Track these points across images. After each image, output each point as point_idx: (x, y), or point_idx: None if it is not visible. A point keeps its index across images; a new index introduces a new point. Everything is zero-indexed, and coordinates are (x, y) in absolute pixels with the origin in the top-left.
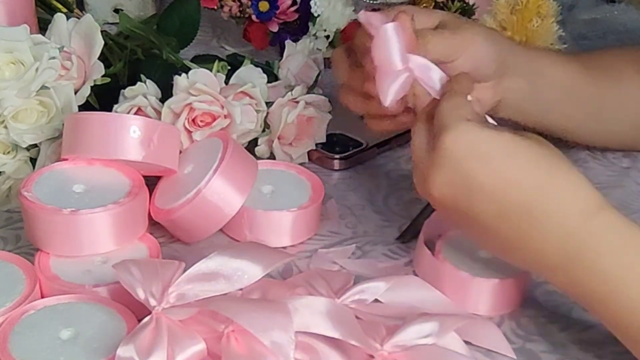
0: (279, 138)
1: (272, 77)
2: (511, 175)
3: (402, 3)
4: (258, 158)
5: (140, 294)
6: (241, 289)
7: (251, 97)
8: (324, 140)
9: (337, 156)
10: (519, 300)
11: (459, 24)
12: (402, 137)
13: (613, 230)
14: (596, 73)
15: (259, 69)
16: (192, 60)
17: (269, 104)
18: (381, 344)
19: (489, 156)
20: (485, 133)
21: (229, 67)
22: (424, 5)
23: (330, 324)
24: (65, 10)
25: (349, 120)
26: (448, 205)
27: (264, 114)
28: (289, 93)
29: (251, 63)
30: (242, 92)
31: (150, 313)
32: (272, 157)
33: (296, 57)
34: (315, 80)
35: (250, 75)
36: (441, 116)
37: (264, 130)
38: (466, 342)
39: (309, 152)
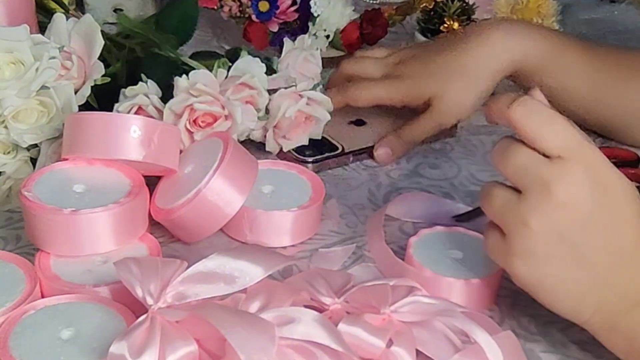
0: (274, 127)
1: (272, 72)
2: (628, 213)
3: (401, 3)
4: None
5: (139, 292)
6: (244, 291)
7: (251, 88)
8: (319, 137)
9: (309, 159)
10: (490, 300)
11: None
12: None
13: None
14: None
15: (257, 58)
16: (191, 57)
17: (270, 92)
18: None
19: (617, 189)
20: (613, 170)
21: (230, 64)
22: (424, 4)
23: (328, 335)
24: (62, 11)
25: (329, 122)
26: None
27: (266, 101)
28: (293, 86)
29: (248, 54)
30: (241, 83)
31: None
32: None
33: (295, 53)
34: (324, 79)
35: (248, 65)
36: (530, 170)
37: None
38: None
39: (279, 153)
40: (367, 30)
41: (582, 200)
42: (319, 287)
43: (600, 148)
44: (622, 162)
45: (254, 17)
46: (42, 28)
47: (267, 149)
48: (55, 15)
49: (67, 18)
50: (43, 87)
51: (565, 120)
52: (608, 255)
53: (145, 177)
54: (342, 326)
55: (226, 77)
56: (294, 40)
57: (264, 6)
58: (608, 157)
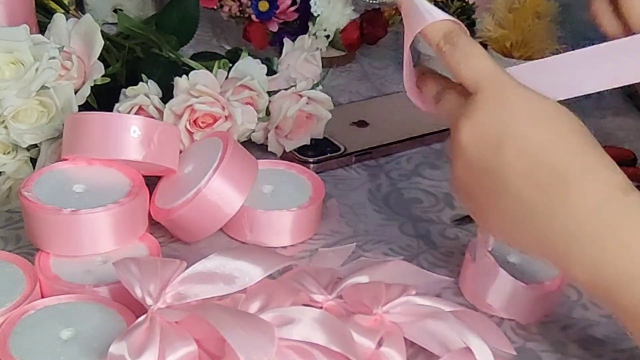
0: (276, 128)
1: (272, 73)
2: (548, 136)
3: None
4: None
5: (138, 292)
6: (244, 291)
7: (251, 89)
8: (320, 137)
9: (310, 160)
10: (547, 309)
11: None
12: (384, 148)
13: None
14: None
15: (258, 60)
16: (191, 58)
17: (271, 94)
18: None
19: (531, 112)
20: (533, 92)
21: (230, 65)
22: None
23: (327, 336)
24: (62, 11)
25: (331, 123)
26: (473, 156)
27: (266, 103)
28: (293, 87)
29: (249, 55)
30: (241, 85)
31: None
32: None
33: (295, 53)
34: (323, 78)
35: (249, 67)
36: (479, 67)
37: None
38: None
39: (282, 154)
40: (367, 30)
41: (483, 136)
42: (308, 285)
43: None
44: (619, 162)
45: (253, 17)
46: (42, 28)
47: (269, 149)
48: (55, 15)
49: (67, 18)
50: (43, 87)
51: (481, 54)
52: (532, 181)
53: (145, 177)
54: None
55: (226, 77)
56: (294, 40)
57: (263, 6)
58: None
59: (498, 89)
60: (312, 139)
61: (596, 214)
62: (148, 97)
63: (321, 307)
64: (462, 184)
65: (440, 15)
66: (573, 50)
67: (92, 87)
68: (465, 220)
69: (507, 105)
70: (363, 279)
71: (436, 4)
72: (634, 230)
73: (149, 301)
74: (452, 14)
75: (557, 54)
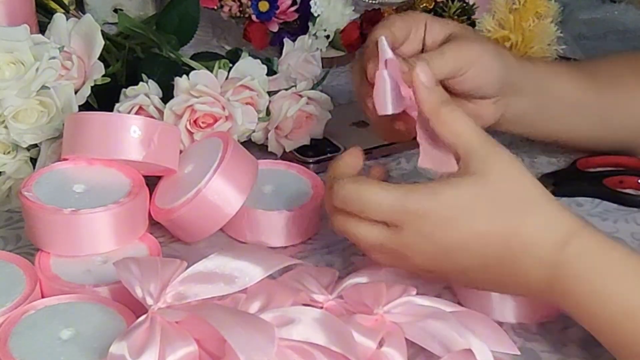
0: (276, 128)
1: (272, 73)
2: (482, 229)
3: (401, 3)
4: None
5: (138, 292)
6: (244, 291)
7: (251, 90)
8: (320, 137)
9: (310, 160)
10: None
11: (468, 38)
12: (385, 148)
13: (586, 253)
14: (600, 82)
15: (258, 60)
16: (191, 58)
17: (271, 94)
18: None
19: (450, 219)
20: (441, 198)
21: (230, 65)
22: (424, 5)
23: (327, 336)
24: (62, 11)
25: (331, 123)
26: (439, 273)
27: (266, 103)
28: (293, 87)
29: (249, 56)
30: (241, 85)
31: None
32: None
33: (295, 53)
34: (323, 78)
35: (249, 67)
36: (384, 207)
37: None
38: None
39: (282, 154)
40: (367, 30)
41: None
42: (308, 285)
43: (602, 155)
44: (626, 171)
45: (254, 17)
46: (42, 28)
47: (269, 149)
48: (55, 15)
49: (67, 18)
50: (43, 87)
51: (380, 188)
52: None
53: (145, 177)
54: None
55: (226, 78)
56: (294, 40)
57: (264, 6)
58: (612, 164)
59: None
60: (312, 139)
61: (543, 278)
62: (148, 97)
63: (322, 307)
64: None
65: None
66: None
67: (92, 87)
68: None
69: (434, 224)
70: (363, 279)
71: (436, 4)
72: (573, 279)
73: (149, 301)
74: (452, 14)
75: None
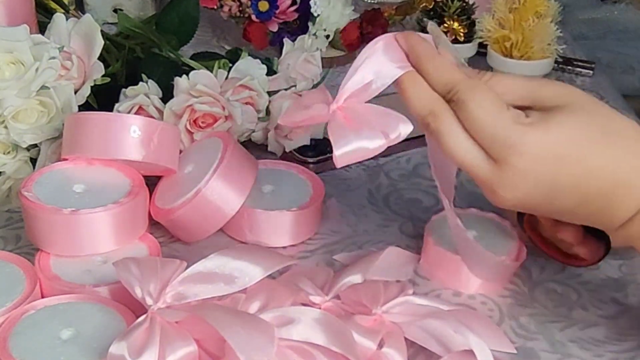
0: (275, 128)
1: (272, 73)
2: (590, 165)
3: (401, 3)
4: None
5: (138, 292)
6: (244, 291)
7: (251, 89)
8: (320, 137)
9: (310, 160)
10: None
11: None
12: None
13: None
14: None
15: (258, 60)
16: (191, 58)
17: (271, 94)
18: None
19: (563, 157)
20: (551, 135)
21: (230, 65)
22: (424, 4)
23: (327, 336)
24: (62, 11)
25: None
26: (526, 207)
27: (266, 103)
28: (293, 86)
29: (249, 56)
30: (241, 85)
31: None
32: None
33: (295, 53)
34: (323, 78)
35: (249, 67)
36: (492, 131)
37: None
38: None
39: (282, 154)
40: (367, 30)
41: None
42: (304, 286)
43: None
44: None
45: (253, 17)
46: (42, 28)
47: (269, 149)
48: (55, 15)
49: (67, 18)
50: (43, 87)
51: (446, 59)
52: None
53: (145, 177)
54: None
55: (226, 77)
56: (294, 40)
57: (263, 6)
58: None
59: (530, 147)
60: (312, 139)
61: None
62: (148, 97)
63: (319, 309)
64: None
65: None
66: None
67: (92, 87)
68: None
69: (545, 160)
70: (357, 277)
71: (436, 4)
72: None
73: (149, 301)
74: (452, 14)
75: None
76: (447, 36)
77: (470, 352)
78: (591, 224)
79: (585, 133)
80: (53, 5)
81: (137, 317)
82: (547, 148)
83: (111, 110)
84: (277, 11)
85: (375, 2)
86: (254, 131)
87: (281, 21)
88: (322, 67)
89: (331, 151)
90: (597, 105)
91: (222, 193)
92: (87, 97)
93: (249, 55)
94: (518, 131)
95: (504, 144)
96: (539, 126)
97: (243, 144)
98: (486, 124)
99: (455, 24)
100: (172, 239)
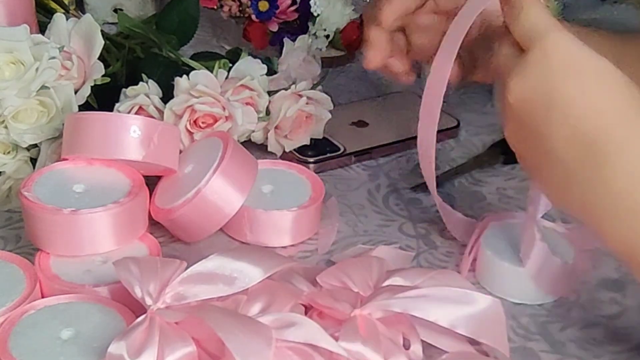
0: (275, 128)
1: (272, 73)
2: (594, 101)
3: None
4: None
5: (138, 292)
6: (245, 292)
7: (251, 90)
8: (320, 137)
9: (310, 160)
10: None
11: None
12: (384, 148)
13: None
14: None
15: (258, 60)
16: (191, 58)
17: (271, 94)
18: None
19: (581, 74)
20: (586, 51)
21: (230, 65)
22: None
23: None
24: (62, 11)
25: (331, 123)
26: (521, 115)
27: (266, 103)
28: (293, 86)
29: (249, 55)
30: (241, 85)
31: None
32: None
33: (295, 53)
34: (323, 78)
35: (249, 67)
36: (532, 22)
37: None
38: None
39: (282, 154)
40: None
41: (532, 96)
42: (298, 284)
43: None
44: None
45: (253, 17)
46: (42, 28)
47: (269, 149)
48: (55, 15)
49: (67, 18)
50: (43, 87)
51: (534, 8)
52: (575, 148)
53: (145, 177)
54: (342, 344)
55: (226, 78)
56: (294, 40)
57: (263, 6)
58: None
59: (549, 46)
60: (312, 139)
61: (630, 191)
62: (148, 97)
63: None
64: (512, 142)
65: None
66: None
67: (92, 87)
68: (421, 187)
69: (557, 65)
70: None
71: None
72: None
73: (148, 301)
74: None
75: None
76: None
77: (471, 353)
78: (572, 188)
79: (614, 77)
80: (53, 5)
81: (137, 317)
82: (574, 57)
83: (111, 110)
84: (277, 11)
85: None
86: (254, 131)
87: (281, 21)
88: (322, 67)
89: (331, 151)
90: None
91: (222, 193)
92: (87, 97)
93: (249, 55)
94: (553, 25)
95: (536, 29)
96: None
97: (243, 144)
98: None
99: None
100: (172, 239)
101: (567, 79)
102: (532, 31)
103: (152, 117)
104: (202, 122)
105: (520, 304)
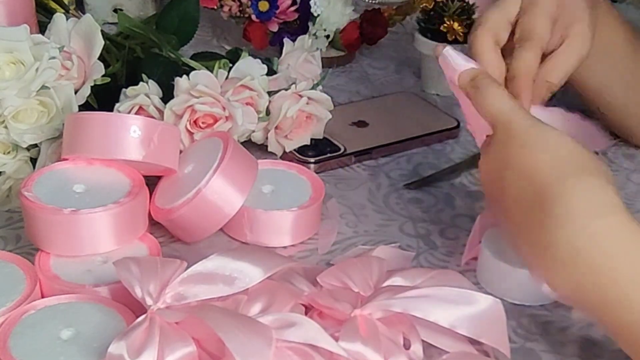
0: (275, 128)
1: (272, 73)
2: (540, 163)
3: (401, 3)
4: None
5: (138, 292)
6: (245, 292)
7: (251, 90)
8: (320, 137)
9: (310, 160)
10: None
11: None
12: (384, 148)
13: (625, 232)
14: None
15: (258, 60)
16: (191, 58)
17: (271, 94)
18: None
19: (529, 144)
20: (539, 125)
21: (230, 65)
22: (424, 5)
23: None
24: (62, 11)
25: (331, 123)
26: (487, 186)
27: (266, 103)
28: (293, 85)
29: (249, 56)
30: (241, 85)
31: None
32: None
33: (295, 53)
34: (323, 78)
35: (249, 67)
36: (496, 108)
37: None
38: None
39: (282, 154)
40: (367, 30)
41: (495, 167)
42: (299, 284)
43: None
44: None
45: (253, 17)
46: (42, 28)
47: (269, 149)
48: (55, 15)
49: (67, 18)
50: (43, 87)
51: (498, 95)
52: (523, 205)
53: (145, 177)
54: (342, 344)
55: (226, 78)
56: (294, 40)
57: (263, 6)
58: None
59: (508, 127)
60: (312, 139)
61: (571, 241)
62: (148, 97)
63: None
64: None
65: (465, 65)
66: None
67: (92, 87)
68: (415, 184)
69: (513, 141)
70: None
71: (436, 4)
72: (606, 255)
73: (148, 301)
74: (452, 14)
75: None
76: (447, 36)
77: (470, 353)
78: (525, 242)
79: (553, 141)
80: (53, 5)
81: (137, 317)
82: (517, 133)
83: (111, 110)
84: (277, 11)
85: (376, 2)
86: (254, 131)
87: (281, 21)
88: (322, 67)
89: (331, 151)
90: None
91: (222, 193)
92: (87, 97)
93: (249, 55)
94: (509, 113)
95: (499, 116)
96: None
97: (243, 144)
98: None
99: (455, 24)
100: (172, 239)
101: (519, 149)
102: (495, 115)
103: (152, 117)
104: (202, 122)
105: (520, 304)
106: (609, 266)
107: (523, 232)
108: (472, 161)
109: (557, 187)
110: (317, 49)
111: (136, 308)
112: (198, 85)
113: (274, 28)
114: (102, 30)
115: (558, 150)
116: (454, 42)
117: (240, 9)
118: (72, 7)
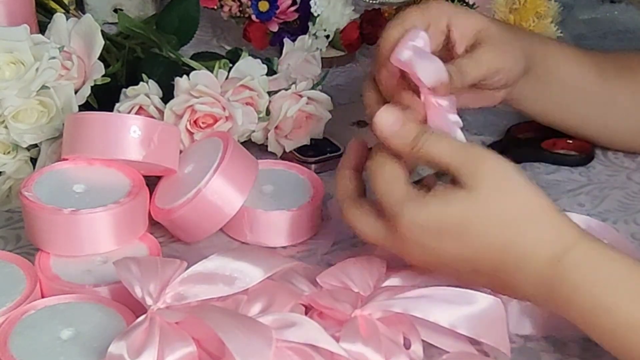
0: (275, 128)
1: (272, 73)
2: (474, 244)
3: (401, 3)
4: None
5: (138, 292)
6: (245, 292)
7: (251, 90)
8: (320, 137)
9: (310, 160)
10: None
11: (499, 40)
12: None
13: (585, 265)
14: (609, 73)
15: (258, 60)
16: (191, 58)
17: (271, 94)
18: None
19: (444, 233)
20: (434, 211)
21: (230, 65)
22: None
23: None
24: (62, 11)
25: (331, 123)
26: (429, 267)
27: (266, 103)
28: (293, 85)
29: (249, 56)
30: (241, 85)
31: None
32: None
33: (295, 53)
34: (323, 78)
35: (249, 67)
36: (384, 202)
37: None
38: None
39: (282, 154)
40: (367, 30)
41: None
42: (299, 284)
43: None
44: (557, 133)
45: (254, 17)
46: (42, 28)
47: (269, 149)
48: (55, 15)
49: (67, 18)
50: (43, 87)
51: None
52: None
53: (145, 177)
54: (343, 344)
55: (227, 78)
56: (294, 40)
57: (264, 6)
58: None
59: (412, 221)
60: (312, 139)
61: (538, 289)
62: (148, 97)
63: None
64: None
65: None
66: None
67: (92, 87)
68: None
69: (428, 234)
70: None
71: None
72: (572, 289)
73: (148, 301)
74: None
75: None
76: None
77: (470, 353)
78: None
79: (466, 214)
80: (53, 5)
81: (137, 317)
82: (427, 223)
83: (111, 110)
84: (277, 11)
85: (376, 2)
86: (254, 131)
87: (281, 21)
88: (322, 67)
89: (331, 151)
90: (500, 193)
91: (222, 193)
92: (87, 97)
93: (249, 55)
94: (405, 206)
95: (395, 215)
96: (422, 203)
97: (243, 144)
98: (381, 192)
99: None
100: (172, 239)
101: (437, 243)
102: (388, 210)
103: (152, 117)
104: (202, 122)
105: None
106: (576, 300)
107: (492, 288)
108: None
109: (505, 253)
110: (317, 49)
111: (136, 308)
112: (198, 85)
113: (274, 28)
114: (102, 30)
115: (485, 221)
116: None
117: (240, 9)
118: (72, 7)
